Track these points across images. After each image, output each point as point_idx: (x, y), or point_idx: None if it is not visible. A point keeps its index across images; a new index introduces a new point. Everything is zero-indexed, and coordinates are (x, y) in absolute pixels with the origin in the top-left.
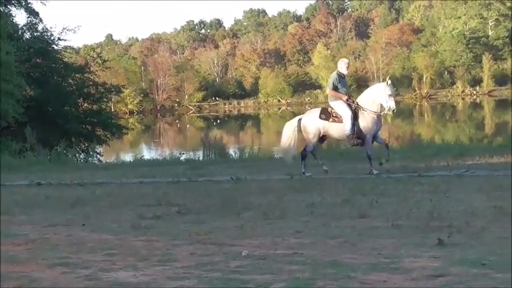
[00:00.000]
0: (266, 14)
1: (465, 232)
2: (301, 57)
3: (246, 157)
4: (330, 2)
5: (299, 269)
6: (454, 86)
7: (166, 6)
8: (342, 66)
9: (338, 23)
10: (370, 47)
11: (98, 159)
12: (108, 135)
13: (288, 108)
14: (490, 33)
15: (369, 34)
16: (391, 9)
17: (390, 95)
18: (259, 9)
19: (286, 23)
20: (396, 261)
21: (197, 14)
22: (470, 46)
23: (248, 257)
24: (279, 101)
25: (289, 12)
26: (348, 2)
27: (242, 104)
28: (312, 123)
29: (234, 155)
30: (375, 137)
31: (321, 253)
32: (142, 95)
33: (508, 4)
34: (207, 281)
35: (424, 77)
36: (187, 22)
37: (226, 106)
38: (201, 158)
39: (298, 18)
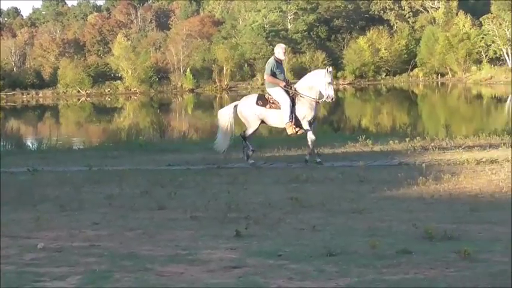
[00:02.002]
0: (65, 3)
1: (262, 223)
2: (101, 48)
3: (44, 148)
4: None
5: (96, 261)
6: (254, 78)
7: None
8: (279, 52)
9: (139, 14)
10: (171, 39)
11: None
12: None
13: (88, 99)
14: (289, 27)
15: (170, 25)
16: (191, 1)
17: (330, 83)
18: None
19: (86, 13)
20: (194, 253)
21: None
22: (269, 39)
23: (44, 249)
24: (78, 91)
25: (89, 2)
26: None
27: (41, 95)
28: (248, 109)
29: (31, 146)
30: (311, 124)
31: (119, 245)
32: None
33: None
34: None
35: (225, 69)
36: None
37: (24, 96)
38: None
39: (98, 9)
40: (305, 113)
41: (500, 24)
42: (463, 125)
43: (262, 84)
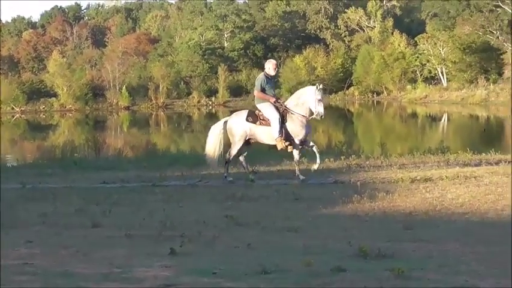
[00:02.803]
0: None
1: (197, 241)
2: (36, 65)
3: None
4: (66, 9)
5: (29, 280)
6: (190, 96)
7: None
8: (270, 68)
9: (74, 31)
10: (107, 56)
11: None
12: None
13: (23, 116)
14: (225, 45)
15: (106, 43)
16: (128, 19)
17: (320, 100)
18: None
19: (20, 30)
20: (128, 271)
21: None
22: (206, 57)
23: None
24: (12, 108)
25: (23, 18)
26: (85, 10)
27: None
28: (238, 125)
29: None
30: (303, 142)
31: (52, 263)
32: None
33: (243, 17)
34: None
35: (161, 86)
36: None
37: None
38: None
39: (33, 25)
40: (297, 131)
41: (435, 43)
42: (398, 144)
43: (199, 102)
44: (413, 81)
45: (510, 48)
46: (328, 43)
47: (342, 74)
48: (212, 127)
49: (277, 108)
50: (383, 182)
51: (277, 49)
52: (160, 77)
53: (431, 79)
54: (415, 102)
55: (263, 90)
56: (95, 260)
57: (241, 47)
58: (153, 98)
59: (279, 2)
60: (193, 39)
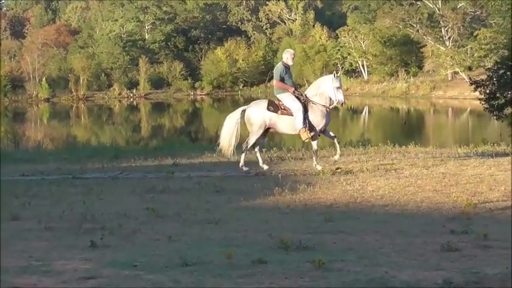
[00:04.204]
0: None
1: (118, 234)
2: None
3: None
4: None
5: None
6: (111, 88)
7: None
8: (288, 57)
9: None
10: (26, 47)
11: None
12: None
13: None
14: (146, 37)
15: (25, 34)
16: (47, 10)
17: (338, 88)
18: None
19: None
20: (48, 264)
21: None
22: (127, 49)
23: None
24: None
25: None
26: (3, 1)
27: None
28: (257, 114)
29: None
30: (324, 132)
31: None
32: None
33: (165, 9)
34: None
35: (81, 78)
36: None
37: None
38: None
39: None
40: (318, 120)
41: (356, 36)
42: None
43: (120, 94)
44: None
45: (430, 41)
46: (249, 35)
47: (263, 67)
48: (228, 116)
49: (298, 98)
50: (304, 174)
51: (198, 41)
52: (80, 68)
53: (353, 72)
54: None
55: (282, 79)
56: (14, 253)
57: (162, 39)
58: (73, 90)
59: None
60: (114, 31)
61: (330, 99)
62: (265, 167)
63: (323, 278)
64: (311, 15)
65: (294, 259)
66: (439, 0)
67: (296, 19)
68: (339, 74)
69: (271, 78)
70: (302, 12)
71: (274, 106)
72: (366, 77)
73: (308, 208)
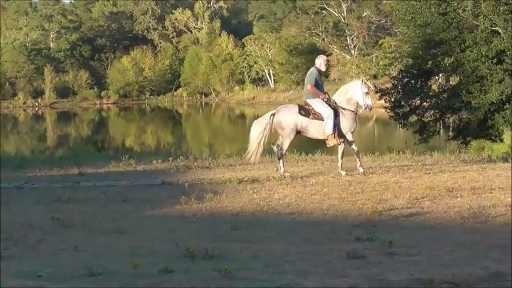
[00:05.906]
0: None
1: (22, 244)
2: None
3: None
4: None
5: None
6: (16, 97)
7: None
8: (321, 63)
9: None
10: None
11: None
12: None
13: None
14: (51, 45)
15: None
16: None
17: (367, 93)
18: None
19: None
20: None
21: None
22: (32, 58)
23: None
24: None
25: None
26: None
27: None
28: (290, 118)
29: None
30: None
31: None
32: None
33: (70, 17)
34: None
35: None
36: None
37: None
38: None
39: None
40: (350, 125)
41: (262, 45)
42: (226, 145)
43: (25, 103)
44: (241, 82)
45: (335, 50)
46: (156, 44)
47: (170, 75)
48: (255, 121)
49: (328, 104)
50: (211, 183)
51: (104, 50)
52: None
53: (259, 80)
54: (243, 104)
55: (316, 85)
56: None
57: (67, 47)
58: None
59: (105, 2)
60: (18, 39)
61: (358, 104)
62: (287, 173)
63: (229, 287)
64: (217, 24)
65: (201, 268)
66: (344, 9)
67: (202, 28)
68: (365, 80)
69: (178, 87)
70: (208, 21)
71: (305, 111)
72: (272, 85)
73: (215, 217)
